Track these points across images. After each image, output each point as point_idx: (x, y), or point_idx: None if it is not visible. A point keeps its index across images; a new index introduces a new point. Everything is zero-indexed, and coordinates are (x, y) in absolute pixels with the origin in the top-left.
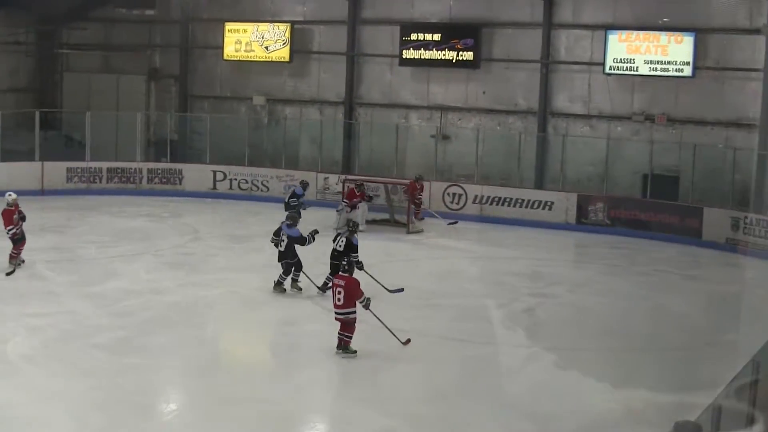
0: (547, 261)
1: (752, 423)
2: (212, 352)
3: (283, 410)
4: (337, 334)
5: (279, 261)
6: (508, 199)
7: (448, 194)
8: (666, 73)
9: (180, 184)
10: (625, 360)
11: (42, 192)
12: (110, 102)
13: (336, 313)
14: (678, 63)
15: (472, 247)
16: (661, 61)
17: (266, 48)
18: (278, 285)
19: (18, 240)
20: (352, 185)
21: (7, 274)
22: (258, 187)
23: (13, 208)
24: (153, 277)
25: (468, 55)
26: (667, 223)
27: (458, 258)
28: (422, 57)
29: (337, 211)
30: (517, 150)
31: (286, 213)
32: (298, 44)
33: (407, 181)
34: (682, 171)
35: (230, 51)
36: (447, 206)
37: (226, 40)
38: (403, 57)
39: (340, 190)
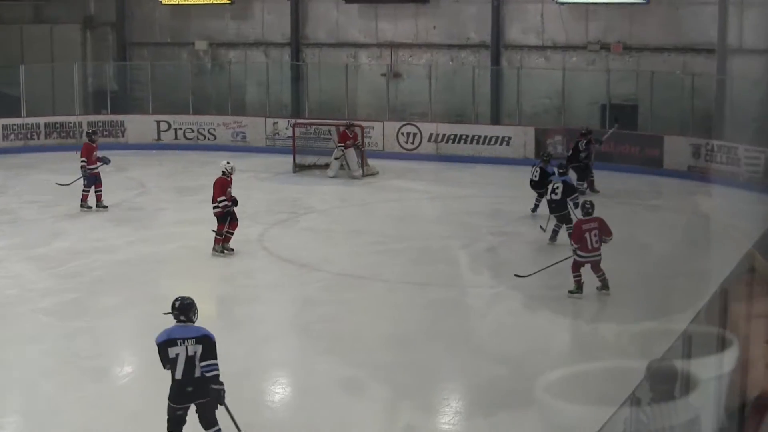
0: (507, 198)
1: (723, 348)
2: (166, 310)
3: (244, 365)
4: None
5: None
6: (464, 137)
7: (402, 134)
8: (620, 0)
9: (123, 136)
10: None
11: None
12: (44, 54)
13: (593, 256)
14: None
15: (430, 188)
16: None
17: None
18: None
19: None
20: (343, 128)
21: None
22: (204, 136)
23: None
24: (100, 236)
25: None
26: (627, 153)
27: (416, 200)
28: None
29: (335, 159)
30: (471, 85)
31: None
32: None
33: (360, 124)
34: (640, 100)
35: None
36: (402, 146)
37: None
38: None
39: (290, 135)
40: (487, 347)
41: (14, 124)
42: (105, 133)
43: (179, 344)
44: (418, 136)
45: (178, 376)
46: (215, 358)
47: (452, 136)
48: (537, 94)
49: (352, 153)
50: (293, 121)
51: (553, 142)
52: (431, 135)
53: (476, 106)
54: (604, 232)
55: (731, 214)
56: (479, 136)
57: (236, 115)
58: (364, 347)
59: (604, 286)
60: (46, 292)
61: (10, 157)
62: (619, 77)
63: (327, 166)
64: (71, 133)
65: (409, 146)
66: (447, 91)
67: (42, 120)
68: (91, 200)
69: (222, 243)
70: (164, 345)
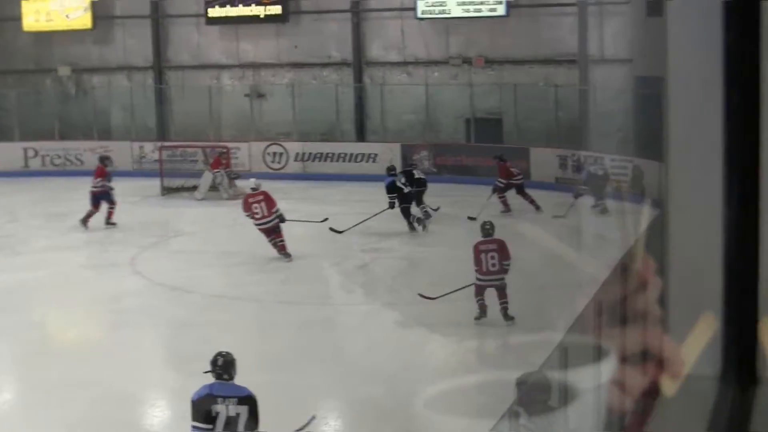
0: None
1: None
2: (41, 337)
3: (118, 390)
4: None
5: None
6: (330, 155)
7: (269, 154)
8: (480, 14)
9: None
10: (467, 308)
11: None
12: None
13: (493, 280)
14: (491, 3)
15: (298, 207)
16: (474, 2)
17: (67, 16)
18: None
19: None
20: (216, 154)
21: None
22: (72, 162)
23: None
24: None
25: (276, 9)
26: (494, 166)
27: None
28: (229, 15)
29: (212, 183)
30: (335, 103)
31: None
32: (100, 9)
33: (225, 145)
34: (504, 113)
35: (29, 21)
36: (268, 166)
37: (24, 10)
38: (209, 16)
39: (157, 158)
40: (362, 365)
41: None
42: None
43: (220, 402)
44: (285, 155)
45: None
46: (258, 425)
47: (318, 155)
48: (401, 110)
49: (208, 177)
50: (159, 144)
51: (419, 158)
52: (297, 154)
53: (341, 124)
54: (504, 255)
55: (602, 224)
56: (345, 154)
57: (102, 140)
58: (240, 367)
59: (505, 316)
60: None
61: None
62: (483, 91)
63: (195, 188)
64: None
65: (276, 166)
66: (311, 110)
67: None
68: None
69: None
70: (205, 401)
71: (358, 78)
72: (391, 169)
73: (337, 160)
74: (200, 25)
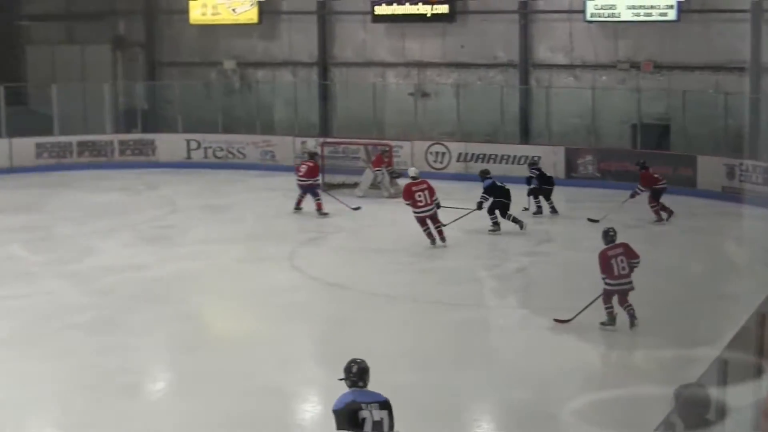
0: (537, 218)
1: (759, 374)
2: (197, 327)
3: (271, 383)
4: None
5: None
6: (493, 156)
7: (431, 153)
8: (650, 18)
9: (153, 154)
10: (623, 317)
11: (11, 170)
12: (76, 73)
13: (623, 284)
14: (662, 7)
15: (459, 206)
16: (644, 6)
17: (233, 10)
18: None
19: None
20: (378, 152)
21: None
22: (234, 155)
23: None
24: (132, 253)
25: (443, 9)
26: (660, 173)
27: (444, 220)
28: (395, 12)
29: (373, 182)
30: (500, 105)
31: None
32: (267, 4)
33: (389, 143)
34: (672, 119)
35: (196, 15)
36: (430, 165)
37: (191, 3)
38: (376, 13)
39: (319, 154)
40: (514, 369)
41: (47, 143)
42: (136, 151)
43: (364, 408)
44: (447, 155)
45: None
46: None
47: (481, 156)
48: (566, 113)
49: (370, 174)
50: (321, 140)
51: (584, 162)
52: (460, 154)
53: (505, 126)
54: (630, 256)
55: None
56: (508, 156)
57: (265, 134)
58: (390, 368)
59: (632, 319)
60: (80, 307)
61: (43, 175)
62: (650, 96)
63: (356, 185)
64: (103, 152)
65: (438, 165)
66: (475, 111)
67: (74, 138)
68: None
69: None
70: (351, 408)
71: (524, 80)
72: (486, 173)
73: (500, 162)
74: (366, 22)
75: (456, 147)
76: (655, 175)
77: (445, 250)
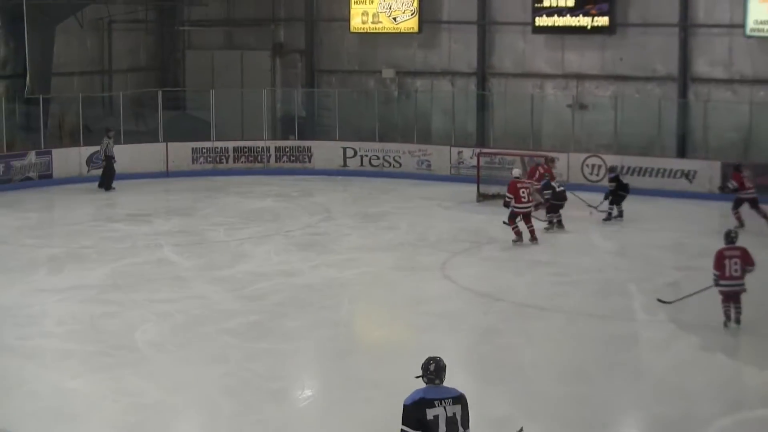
0: (691, 232)
1: None
2: (347, 335)
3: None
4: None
5: None
6: (648, 169)
7: (587, 165)
8: None
9: (309, 162)
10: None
11: (167, 174)
12: (234, 79)
13: (734, 285)
14: None
15: (612, 221)
16: None
17: (394, 19)
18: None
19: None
20: (534, 163)
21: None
22: (390, 163)
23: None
24: (283, 259)
25: (603, 21)
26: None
27: (599, 231)
28: (555, 24)
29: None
30: (657, 118)
31: None
32: (427, 14)
33: (545, 155)
34: None
35: (357, 23)
36: (586, 178)
37: (352, 11)
38: (536, 25)
39: (475, 164)
40: (662, 384)
41: (204, 148)
42: (292, 158)
43: (437, 405)
44: (603, 167)
45: None
46: (469, 423)
47: (637, 169)
48: (724, 127)
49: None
50: (478, 150)
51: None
52: (615, 167)
53: (661, 139)
54: (747, 261)
55: None
56: (664, 170)
57: (421, 143)
58: (540, 378)
59: (737, 320)
60: (231, 313)
61: (198, 180)
62: None
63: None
64: (259, 158)
65: (594, 178)
66: (632, 123)
67: (231, 144)
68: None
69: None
70: (420, 406)
71: (683, 93)
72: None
73: (655, 176)
74: (526, 33)
75: (612, 159)
76: (745, 181)
77: (596, 263)
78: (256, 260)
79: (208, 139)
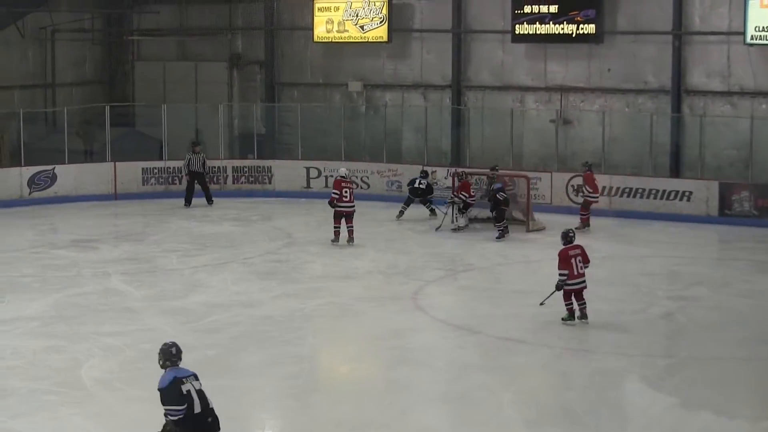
0: (686, 259)
1: None
2: (311, 371)
3: None
4: None
5: None
6: (640, 190)
7: (572, 186)
8: None
9: (269, 183)
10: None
11: (115, 196)
12: (188, 93)
13: (580, 282)
14: None
15: (600, 246)
16: None
17: (361, 27)
18: None
19: None
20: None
21: None
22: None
23: None
24: (242, 289)
25: (589, 28)
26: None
27: None
28: (537, 32)
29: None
30: (649, 134)
31: None
32: (397, 22)
33: (523, 174)
34: None
35: (321, 32)
36: (571, 199)
37: (315, 20)
38: (516, 33)
39: (449, 185)
40: (655, 427)
41: (155, 168)
42: (251, 179)
43: (185, 382)
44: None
45: (198, 409)
46: None
47: (627, 190)
48: (722, 144)
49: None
50: (453, 170)
51: (739, 198)
52: (604, 188)
53: (654, 157)
54: (585, 259)
55: None
56: (657, 190)
57: (391, 163)
58: (521, 420)
59: (583, 315)
60: (184, 348)
61: (149, 203)
62: None
63: (489, 219)
64: (215, 179)
65: (580, 200)
66: (622, 140)
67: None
68: None
69: None
70: (175, 384)
71: (677, 107)
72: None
73: (647, 197)
74: (505, 42)
75: (600, 180)
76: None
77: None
78: (212, 290)
79: (160, 159)
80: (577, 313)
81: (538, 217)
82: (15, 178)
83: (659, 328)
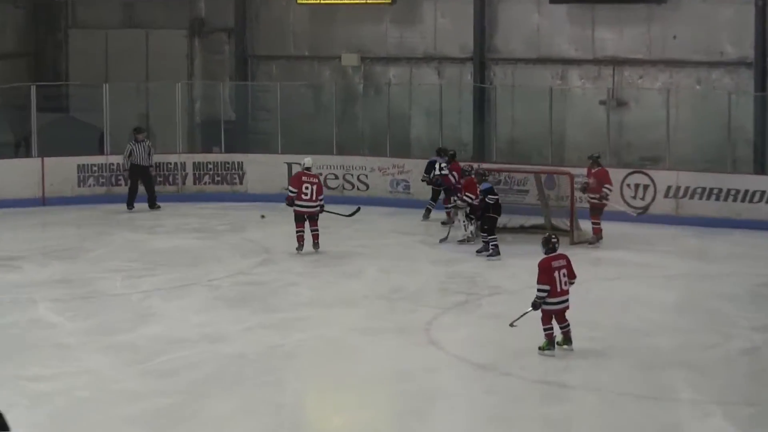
0: None
1: None
2: (294, 423)
3: None
4: None
5: None
6: (716, 190)
7: (628, 185)
8: None
9: (240, 183)
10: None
11: (43, 201)
12: (137, 69)
13: (563, 302)
14: None
15: (665, 262)
16: None
17: None
18: None
19: None
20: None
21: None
22: (353, 185)
23: None
24: (206, 319)
25: None
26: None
27: (646, 278)
28: None
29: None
30: (727, 118)
31: None
32: None
33: (566, 171)
34: None
35: None
36: (627, 202)
37: None
38: None
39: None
40: None
41: (94, 165)
42: (217, 178)
43: None
44: (651, 188)
45: None
46: None
47: (699, 190)
48: None
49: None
50: (475, 165)
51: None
52: (668, 188)
53: (734, 149)
54: (570, 273)
55: None
56: (737, 191)
57: (397, 157)
58: None
59: (567, 340)
60: (131, 395)
61: (86, 209)
62: None
63: (533, 227)
64: (171, 179)
65: (639, 203)
66: (692, 127)
67: (124, 155)
68: None
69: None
70: None
71: (761, 85)
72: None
73: (725, 199)
74: (542, 3)
75: (664, 177)
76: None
77: (644, 323)
78: (168, 321)
79: (101, 153)
80: (558, 338)
81: (585, 226)
82: None
83: (741, 367)
